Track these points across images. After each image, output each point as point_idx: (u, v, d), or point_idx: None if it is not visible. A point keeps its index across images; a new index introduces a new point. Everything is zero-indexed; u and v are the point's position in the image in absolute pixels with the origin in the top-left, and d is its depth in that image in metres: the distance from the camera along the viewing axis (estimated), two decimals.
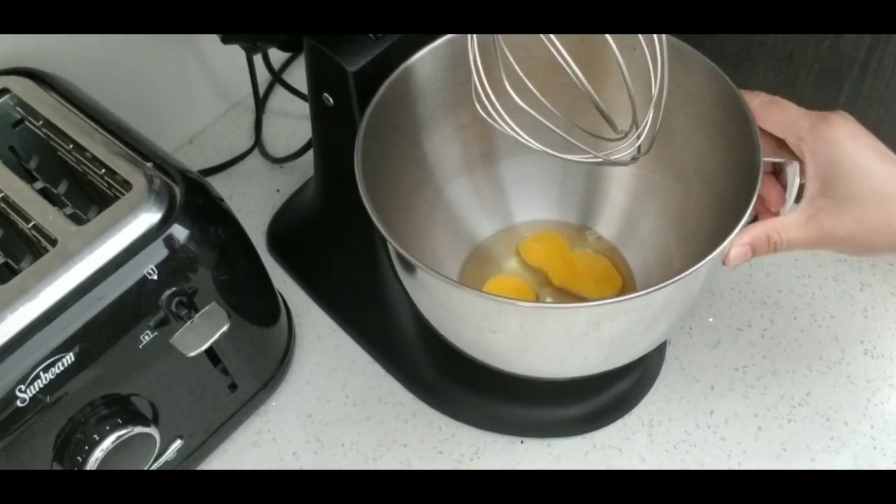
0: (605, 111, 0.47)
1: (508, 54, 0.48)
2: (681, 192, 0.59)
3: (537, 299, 0.62)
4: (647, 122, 0.49)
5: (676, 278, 0.45)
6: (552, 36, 0.45)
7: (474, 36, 0.49)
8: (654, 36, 0.48)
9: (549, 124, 0.49)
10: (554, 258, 0.63)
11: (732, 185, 0.52)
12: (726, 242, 0.46)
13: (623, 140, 0.49)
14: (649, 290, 0.45)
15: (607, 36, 0.46)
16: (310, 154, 0.65)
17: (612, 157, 0.49)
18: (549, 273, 0.63)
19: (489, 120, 0.50)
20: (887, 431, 0.60)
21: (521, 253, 0.64)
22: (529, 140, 0.50)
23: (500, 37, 0.49)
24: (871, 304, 0.66)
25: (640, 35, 0.48)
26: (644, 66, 0.49)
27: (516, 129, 0.49)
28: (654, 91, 0.49)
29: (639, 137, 0.49)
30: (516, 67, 0.48)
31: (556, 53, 0.45)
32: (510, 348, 0.51)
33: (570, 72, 0.45)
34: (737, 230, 0.47)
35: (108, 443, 0.48)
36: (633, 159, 0.50)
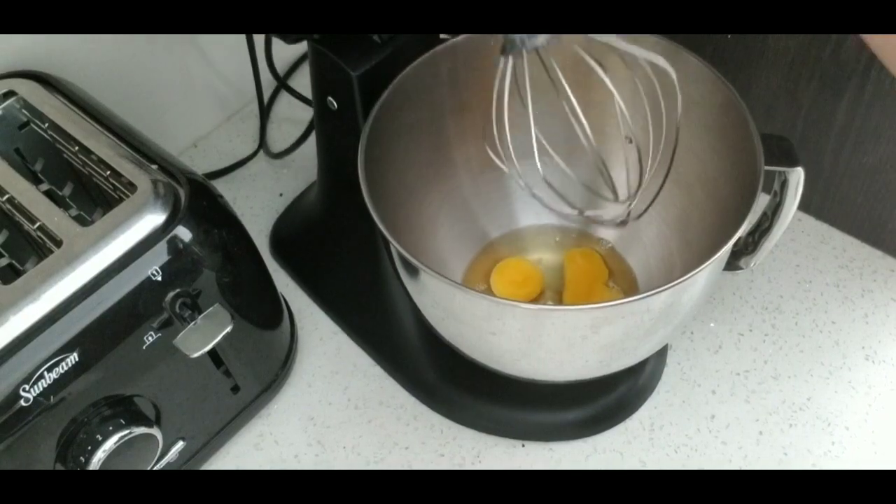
0: (611, 178, 0.48)
1: (530, 101, 0.49)
2: (683, 199, 0.59)
3: (542, 293, 0.62)
4: (640, 190, 0.50)
5: (674, 283, 0.45)
6: (572, 99, 0.47)
7: (508, 67, 0.48)
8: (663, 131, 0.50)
9: (547, 181, 0.51)
10: (582, 282, 0.63)
11: (733, 192, 0.53)
12: (724, 250, 0.47)
13: (616, 203, 0.50)
14: (647, 294, 0.45)
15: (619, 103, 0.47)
16: (314, 157, 0.65)
17: (604, 218, 0.52)
18: (566, 289, 0.63)
19: (496, 160, 0.51)
20: (889, 437, 0.60)
21: (565, 258, 0.64)
22: (528, 187, 0.52)
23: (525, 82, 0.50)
24: (871, 309, 0.66)
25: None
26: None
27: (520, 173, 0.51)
28: (646, 178, 0.50)
29: (631, 203, 0.50)
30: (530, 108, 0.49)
31: (574, 121, 0.47)
32: (510, 350, 0.51)
33: (580, 134, 0.47)
34: (734, 238, 0.47)
35: (110, 443, 0.48)
36: (622, 223, 0.51)
